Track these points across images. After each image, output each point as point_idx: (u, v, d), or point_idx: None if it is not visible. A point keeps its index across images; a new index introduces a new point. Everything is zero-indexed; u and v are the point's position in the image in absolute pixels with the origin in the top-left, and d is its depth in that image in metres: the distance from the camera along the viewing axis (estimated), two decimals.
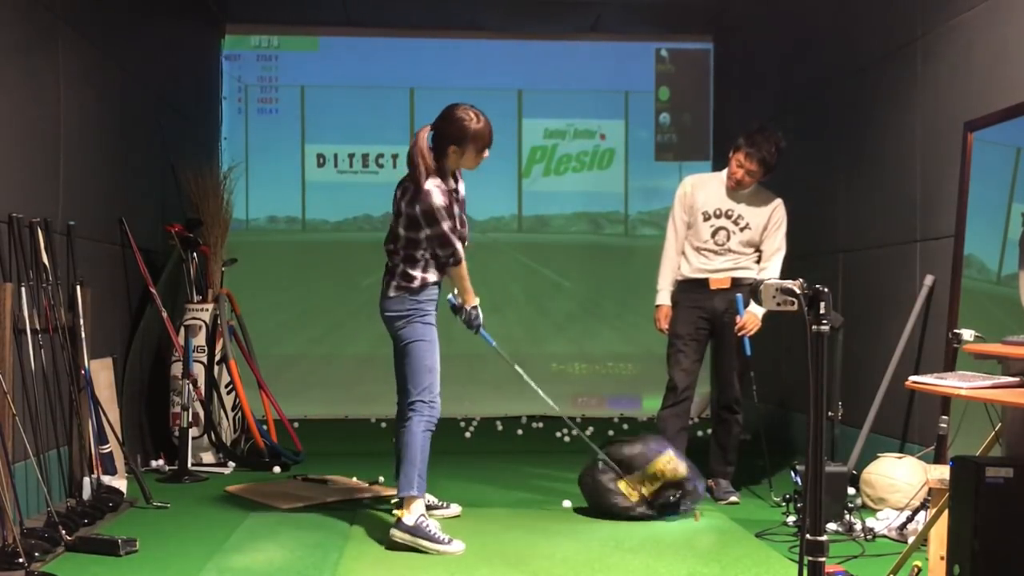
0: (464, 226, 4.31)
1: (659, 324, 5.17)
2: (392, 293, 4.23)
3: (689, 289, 5.09)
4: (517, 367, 4.68)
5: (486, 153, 4.29)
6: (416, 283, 4.20)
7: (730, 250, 5.05)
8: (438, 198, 4.13)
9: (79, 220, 4.96)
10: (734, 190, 5.08)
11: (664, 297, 5.16)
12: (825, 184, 6.37)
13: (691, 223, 5.12)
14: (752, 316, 4.98)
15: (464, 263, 4.28)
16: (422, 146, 4.17)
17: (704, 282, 5.05)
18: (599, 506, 4.61)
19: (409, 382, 4.21)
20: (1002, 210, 4.33)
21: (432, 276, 4.23)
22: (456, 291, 4.43)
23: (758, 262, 5.11)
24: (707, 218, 5.08)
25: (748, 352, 5.10)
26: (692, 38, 8.97)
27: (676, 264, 5.17)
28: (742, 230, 5.06)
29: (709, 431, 7.61)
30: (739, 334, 4.99)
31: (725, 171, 5.14)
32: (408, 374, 4.21)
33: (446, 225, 4.15)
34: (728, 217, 5.07)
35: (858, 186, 5.92)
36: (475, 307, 4.42)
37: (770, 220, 5.12)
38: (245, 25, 8.64)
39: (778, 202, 5.16)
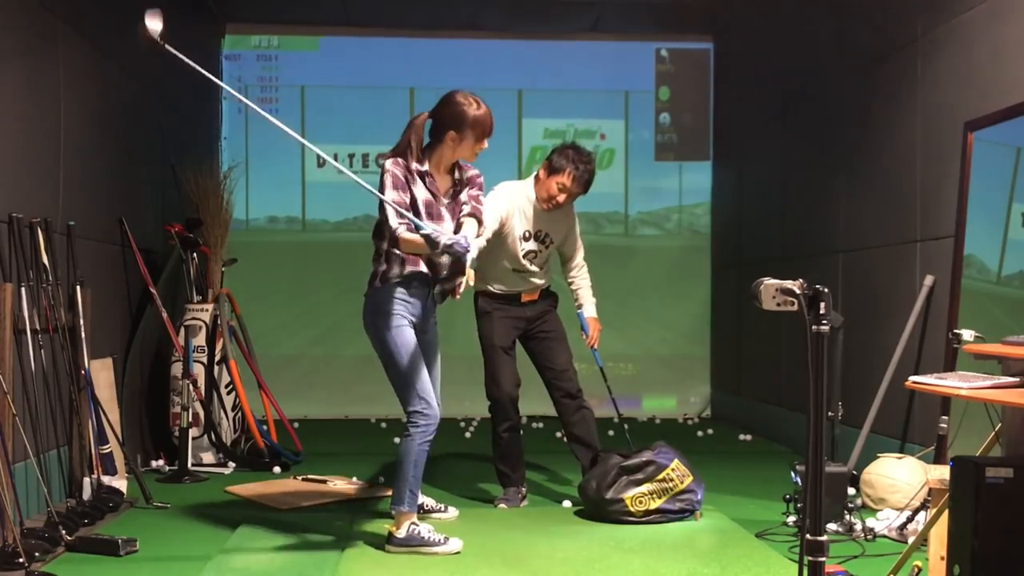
0: (442, 220, 4.02)
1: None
2: (365, 292, 4.07)
3: (501, 301, 4.89)
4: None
5: (485, 144, 4.10)
6: (377, 280, 4.00)
7: (538, 267, 4.92)
8: (390, 166, 3.95)
9: (79, 220, 4.96)
10: (545, 211, 4.84)
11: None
12: (825, 184, 6.37)
13: (503, 237, 4.79)
14: (596, 324, 5.06)
15: (406, 237, 3.82)
16: (417, 124, 4.04)
17: (516, 296, 4.93)
18: (603, 518, 4.56)
19: (397, 395, 4.03)
20: (1002, 210, 4.33)
21: (394, 269, 3.97)
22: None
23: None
24: (525, 239, 4.84)
25: (600, 363, 5.18)
26: (692, 38, 8.97)
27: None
28: (547, 247, 4.92)
29: (710, 431, 7.64)
30: (592, 347, 5.05)
31: (529, 184, 4.87)
32: (393, 386, 4.03)
33: (389, 195, 3.88)
34: (538, 239, 4.87)
35: (858, 186, 5.92)
36: (441, 243, 3.73)
37: (570, 229, 5.02)
38: (245, 25, 8.65)
39: (572, 209, 5.04)
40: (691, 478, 4.57)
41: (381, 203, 3.92)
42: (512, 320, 4.89)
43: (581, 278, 5.11)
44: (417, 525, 4.02)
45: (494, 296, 4.91)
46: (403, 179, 3.98)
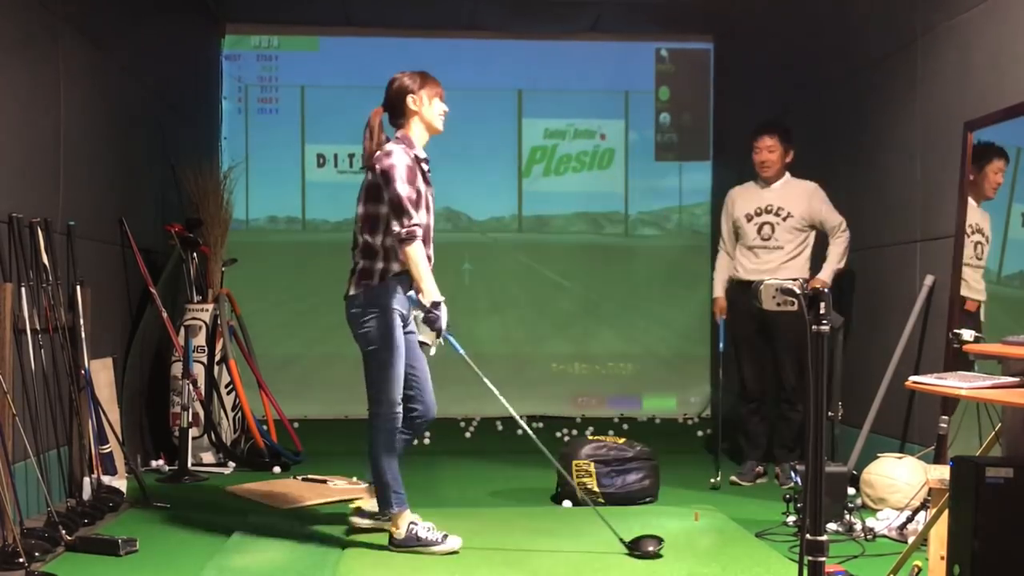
0: (429, 212, 4.01)
1: (716, 316, 5.68)
2: (352, 291, 3.98)
3: (743, 291, 5.32)
4: (485, 379, 4.19)
5: (444, 105, 4.14)
6: (375, 277, 3.90)
7: (779, 241, 5.39)
8: (400, 158, 3.89)
9: (79, 220, 4.96)
10: (768, 182, 5.53)
11: (718, 289, 5.65)
12: (825, 184, 6.35)
13: (737, 230, 5.58)
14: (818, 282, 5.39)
15: (421, 250, 3.82)
16: (373, 124, 4.08)
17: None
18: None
19: (370, 390, 3.95)
20: (1002, 210, 4.33)
21: (395, 267, 3.89)
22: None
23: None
24: (749, 219, 5.53)
25: None
26: (692, 38, 8.96)
27: (725, 264, 5.65)
28: (785, 219, 5.44)
29: (708, 431, 7.64)
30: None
31: (748, 183, 5.66)
32: (368, 383, 3.95)
33: (403, 188, 3.82)
34: (768, 212, 5.47)
35: (858, 186, 5.92)
36: (436, 304, 3.81)
37: (813, 201, 5.49)
38: (245, 25, 8.63)
39: (814, 185, 5.53)
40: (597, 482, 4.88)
41: (372, 184, 3.92)
42: (746, 311, 5.30)
43: (834, 245, 5.47)
44: (416, 525, 4.02)
45: (739, 287, 5.45)
46: (413, 171, 3.94)
